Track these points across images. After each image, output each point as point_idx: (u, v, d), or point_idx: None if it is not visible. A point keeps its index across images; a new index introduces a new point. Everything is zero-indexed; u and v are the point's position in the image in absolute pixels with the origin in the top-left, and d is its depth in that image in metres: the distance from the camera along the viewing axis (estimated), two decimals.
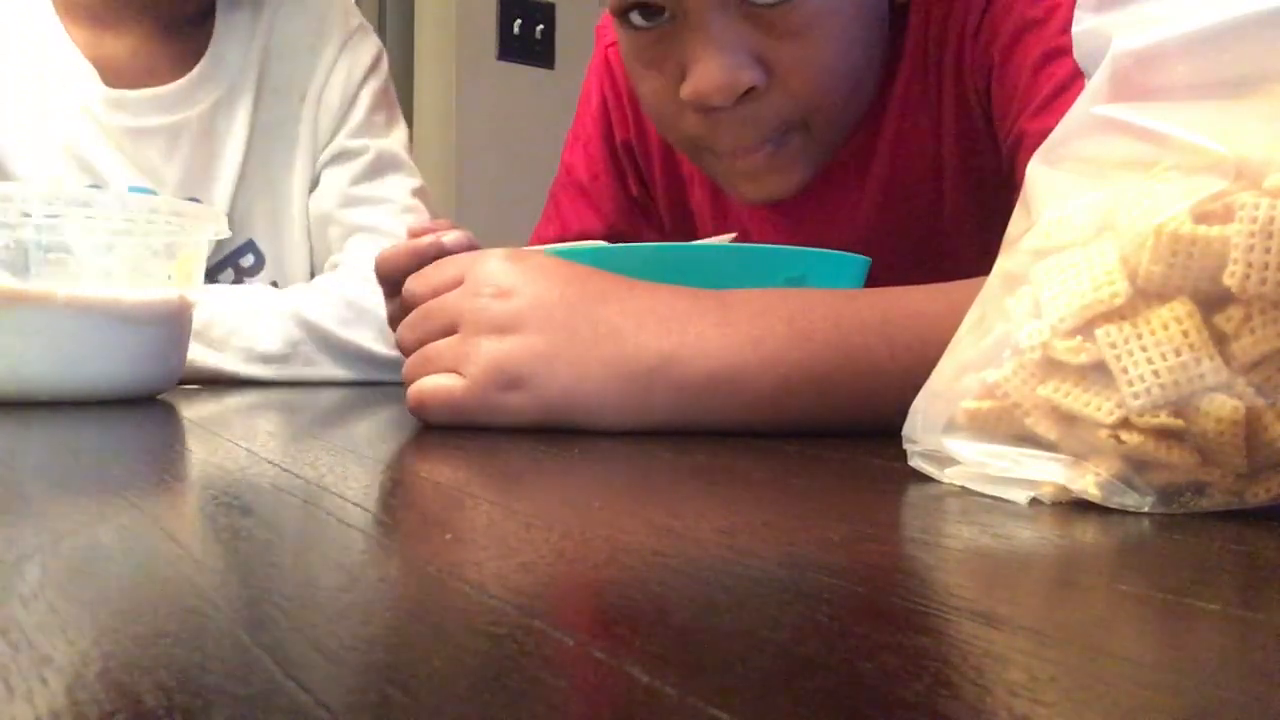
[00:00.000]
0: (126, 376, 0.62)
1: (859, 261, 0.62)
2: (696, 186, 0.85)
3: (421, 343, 0.51)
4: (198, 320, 0.77)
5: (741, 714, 0.15)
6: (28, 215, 0.57)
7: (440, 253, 0.59)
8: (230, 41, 0.93)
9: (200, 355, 0.78)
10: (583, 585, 0.22)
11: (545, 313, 0.47)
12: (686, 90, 0.63)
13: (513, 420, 0.48)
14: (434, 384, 0.49)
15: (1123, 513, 0.31)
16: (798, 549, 0.26)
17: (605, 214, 0.90)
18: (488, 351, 0.47)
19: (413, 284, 0.53)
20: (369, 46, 0.97)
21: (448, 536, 0.27)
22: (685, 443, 0.45)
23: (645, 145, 0.87)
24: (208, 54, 0.92)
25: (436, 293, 0.51)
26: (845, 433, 0.48)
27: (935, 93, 0.73)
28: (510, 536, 0.27)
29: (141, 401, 0.62)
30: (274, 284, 0.96)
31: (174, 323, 0.65)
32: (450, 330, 0.49)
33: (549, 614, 0.20)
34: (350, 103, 0.95)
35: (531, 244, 0.91)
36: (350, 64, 0.95)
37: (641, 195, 0.90)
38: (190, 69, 0.91)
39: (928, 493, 0.34)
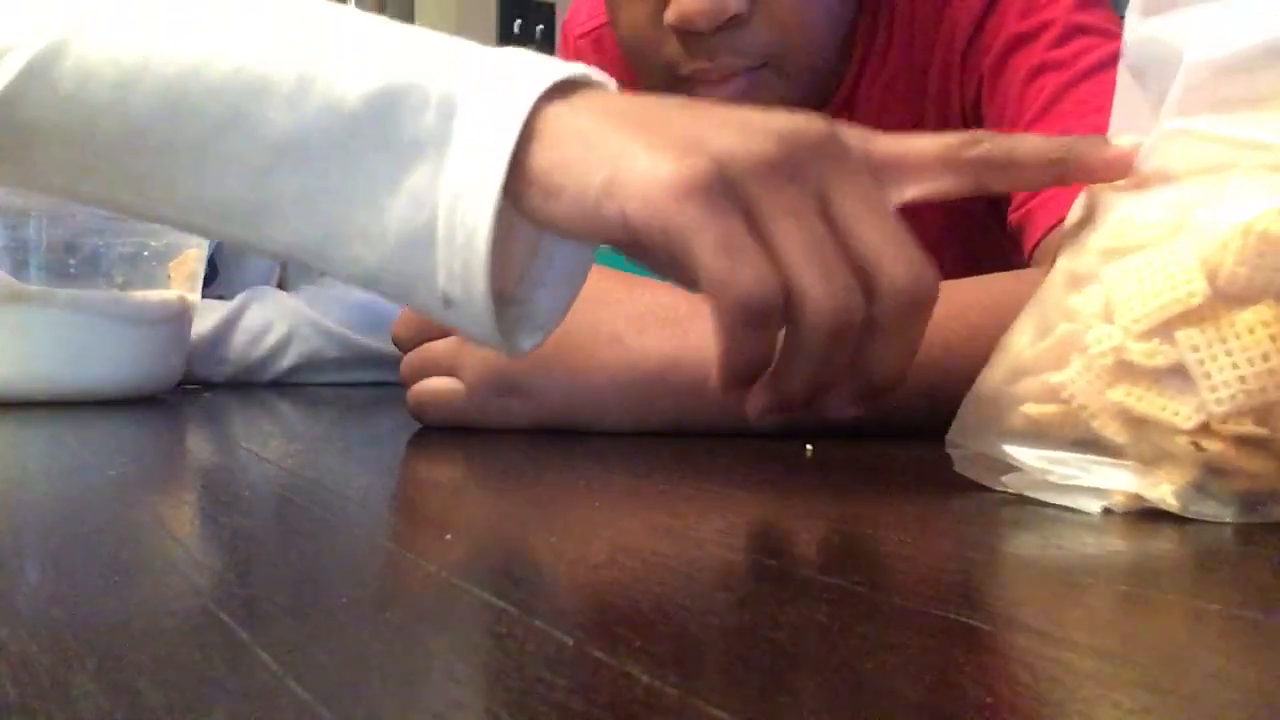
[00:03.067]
0: (126, 376, 0.62)
1: None
2: None
3: (418, 342, 0.51)
4: (209, 332, 0.78)
5: (741, 714, 0.15)
6: (28, 214, 0.57)
7: None
8: None
9: (213, 368, 0.78)
10: (583, 585, 0.22)
11: None
12: (671, 14, 0.63)
13: (512, 425, 0.48)
14: (433, 388, 0.49)
15: (1179, 519, 0.29)
16: (798, 549, 0.26)
17: None
18: (486, 356, 0.47)
19: None
20: None
21: (448, 536, 0.27)
22: (685, 443, 0.45)
23: None
24: None
25: None
26: (845, 433, 0.48)
27: (917, 111, 0.74)
28: (510, 536, 0.27)
29: (141, 401, 0.62)
30: (220, 297, 0.97)
31: (174, 323, 0.65)
32: (448, 330, 0.49)
33: (549, 614, 0.20)
34: None
35: None
36: None
37: None
38: None
39: (927, 492, 0.34)
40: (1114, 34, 0.66)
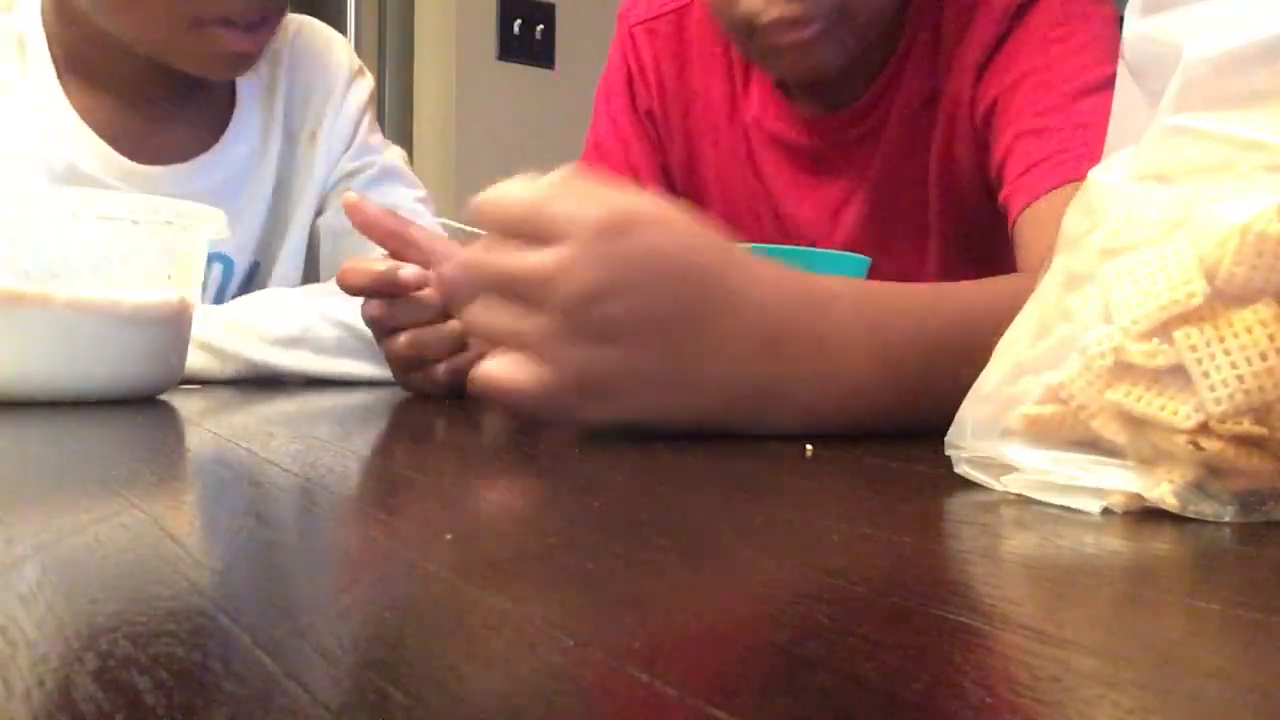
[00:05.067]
0: (126, 376, 0.62)
1: (860, 261, 0.62)
2: (719, 147, 0.91)
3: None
4: (261, 320, 0.78)
5: (741, 714, 0.15)
6: (28, 215, 0.57)
7: (395, 285, 0.62)
8: (253, 103, 0.96)
9: (272, 355, 0.79)
10: (582, 585, 0.22)
11: (647, 323, 0.44)
12: None
13: (581, 425, 0.46)
14: (511, 376, 0.44)
15: (1179, 519, 0.29)
16: (798, 549, 0.26)
17: (641, 179, 0.94)
18: (580, 359, 0.44)
19: (489, 255, 0.45)
20: (367, 84, 1.04)
21: (448, 536, 0.27)
22: (685, 443, 0.45)
23: (666, 113, 0.94)
24: (231, 125, 0.94)
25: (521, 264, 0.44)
26: (845, 434, 0.48)
27: (932, 110, 0.80)
28: (510, 536, 0.27)
29: (141, 401, 0.62)
30: None
31: (174, 324, 0.65)
32: (537, 304, 0.44)
33: (549, 614, 0.20)
34: (352, 135, 1.01)
35: None
36: (354, 102, 1.01)
37: (664, 160, 0.96)
38: (211, 132, 0.93)
39: (926, 492, 0.34)
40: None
